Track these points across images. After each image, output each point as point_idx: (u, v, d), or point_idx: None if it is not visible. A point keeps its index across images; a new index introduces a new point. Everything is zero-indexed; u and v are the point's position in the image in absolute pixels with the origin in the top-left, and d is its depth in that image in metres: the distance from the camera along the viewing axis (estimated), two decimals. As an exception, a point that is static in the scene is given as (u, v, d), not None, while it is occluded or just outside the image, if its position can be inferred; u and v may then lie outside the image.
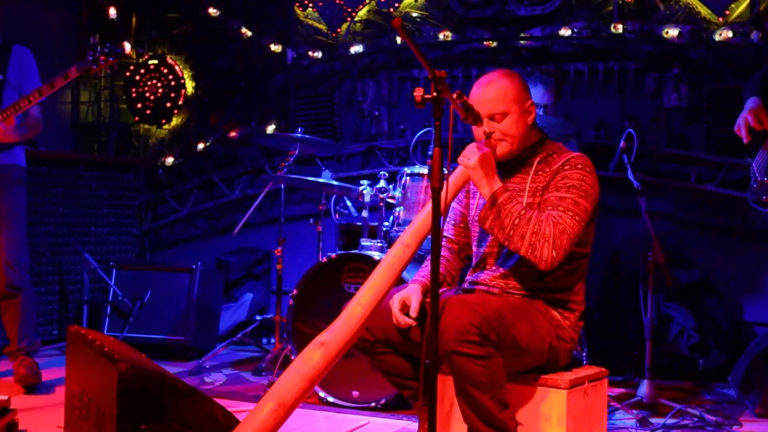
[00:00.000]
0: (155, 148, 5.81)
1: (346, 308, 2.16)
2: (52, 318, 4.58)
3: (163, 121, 5.73)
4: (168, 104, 5.68)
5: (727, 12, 4.29)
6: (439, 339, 2.06)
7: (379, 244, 3.57)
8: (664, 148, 4.46)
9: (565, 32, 4.58)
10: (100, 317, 4.45)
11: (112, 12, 5.71)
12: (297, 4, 5.24)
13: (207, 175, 5.61)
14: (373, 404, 3.26)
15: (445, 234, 2.60)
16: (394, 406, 3.25)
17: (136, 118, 5.80)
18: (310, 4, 5.20)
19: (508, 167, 2.46)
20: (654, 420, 3.14)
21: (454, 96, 2.05)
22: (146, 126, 5.84)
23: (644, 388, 3.33)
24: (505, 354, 2.17)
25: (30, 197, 3.81)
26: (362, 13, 5.14)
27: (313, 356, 2.05)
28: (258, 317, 4.59)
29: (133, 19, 5.84)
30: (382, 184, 3.64)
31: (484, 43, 4.78)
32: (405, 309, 2.28)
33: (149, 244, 5.81)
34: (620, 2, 4.47)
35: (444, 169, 1.98)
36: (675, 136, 4.49)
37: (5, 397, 2.70)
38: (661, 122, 4.49)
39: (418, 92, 1.94)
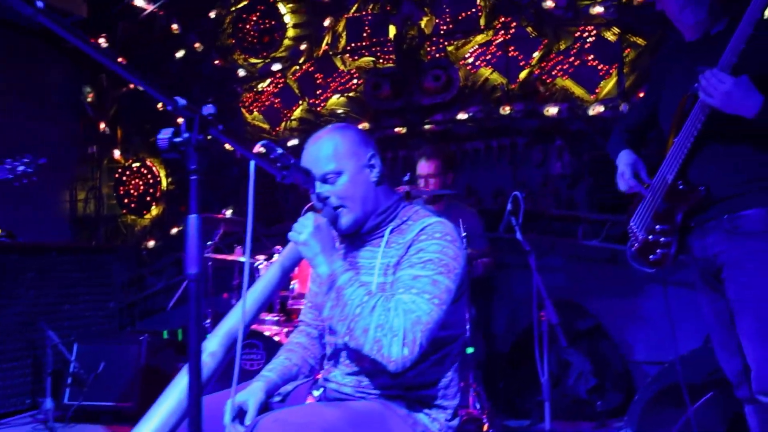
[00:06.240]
0: (139, 234, 5.74)
1: None
2: (25, 389, 4.17)
3: (145, 212, 5.67)
4: (148, 198, 5.63)
5: (597, 90, 4.06)
6: None
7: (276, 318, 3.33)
8: (553, 209, 4.21)
9: (462, 116, 4.41)
10: (63, 387, 3.97)
11: (102, 126, 5.73)
12: (245, 109, 5.17)
13: (179, 253, 5.45)
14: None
15: (301, 318, 1.86)
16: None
17: (124, 211, 5.76)
18: (255, 109, 5.14)
19: (357, 239, 1.68)
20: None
21: (261, 148, 1.32)
22: (132, 217, 5.79)
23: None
24: None
25: (3, 282, 3.60)
26: (297, 112, 5.06)
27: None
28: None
29: (119, 131, 5.84)
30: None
31: (395, 129, 4.62)
32: (241, 415, 1.53)
33: (138, 313, 5.57)
34: (506, 89, 4.31)
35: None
36: (562, 199, 4.24)
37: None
38: (549, 187, 4.26)
39: (165, 134, 1.15)
